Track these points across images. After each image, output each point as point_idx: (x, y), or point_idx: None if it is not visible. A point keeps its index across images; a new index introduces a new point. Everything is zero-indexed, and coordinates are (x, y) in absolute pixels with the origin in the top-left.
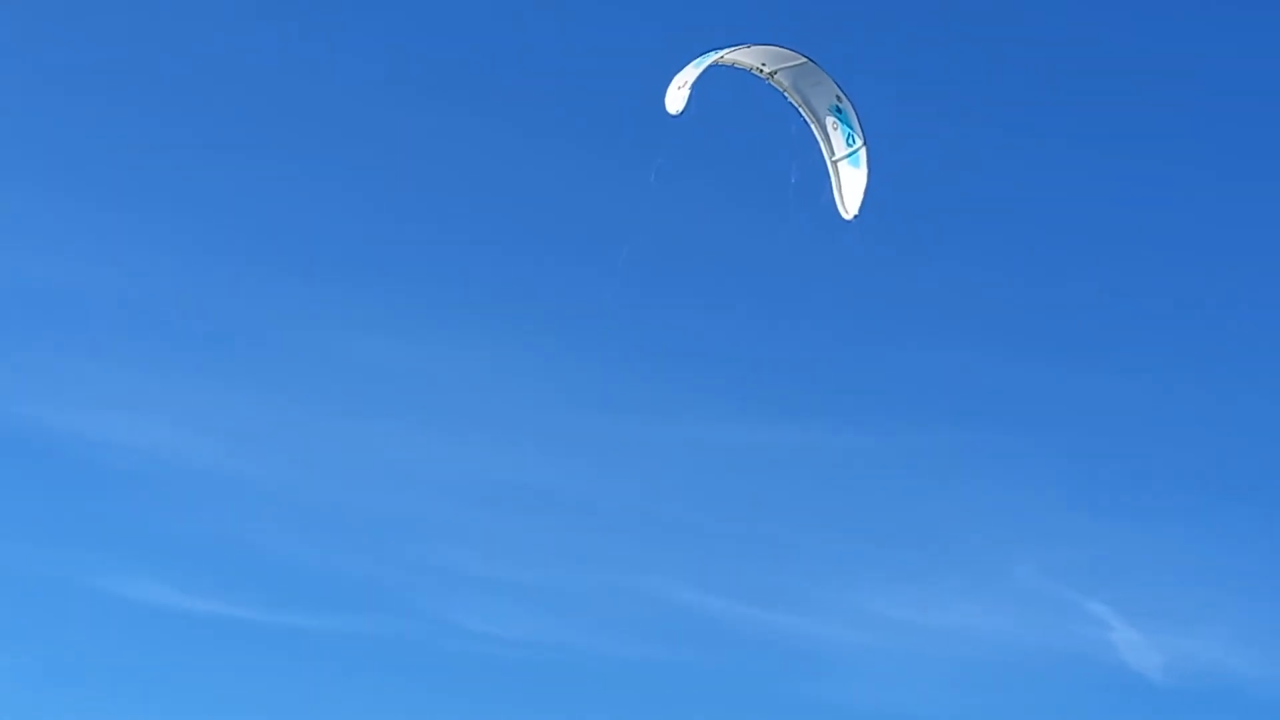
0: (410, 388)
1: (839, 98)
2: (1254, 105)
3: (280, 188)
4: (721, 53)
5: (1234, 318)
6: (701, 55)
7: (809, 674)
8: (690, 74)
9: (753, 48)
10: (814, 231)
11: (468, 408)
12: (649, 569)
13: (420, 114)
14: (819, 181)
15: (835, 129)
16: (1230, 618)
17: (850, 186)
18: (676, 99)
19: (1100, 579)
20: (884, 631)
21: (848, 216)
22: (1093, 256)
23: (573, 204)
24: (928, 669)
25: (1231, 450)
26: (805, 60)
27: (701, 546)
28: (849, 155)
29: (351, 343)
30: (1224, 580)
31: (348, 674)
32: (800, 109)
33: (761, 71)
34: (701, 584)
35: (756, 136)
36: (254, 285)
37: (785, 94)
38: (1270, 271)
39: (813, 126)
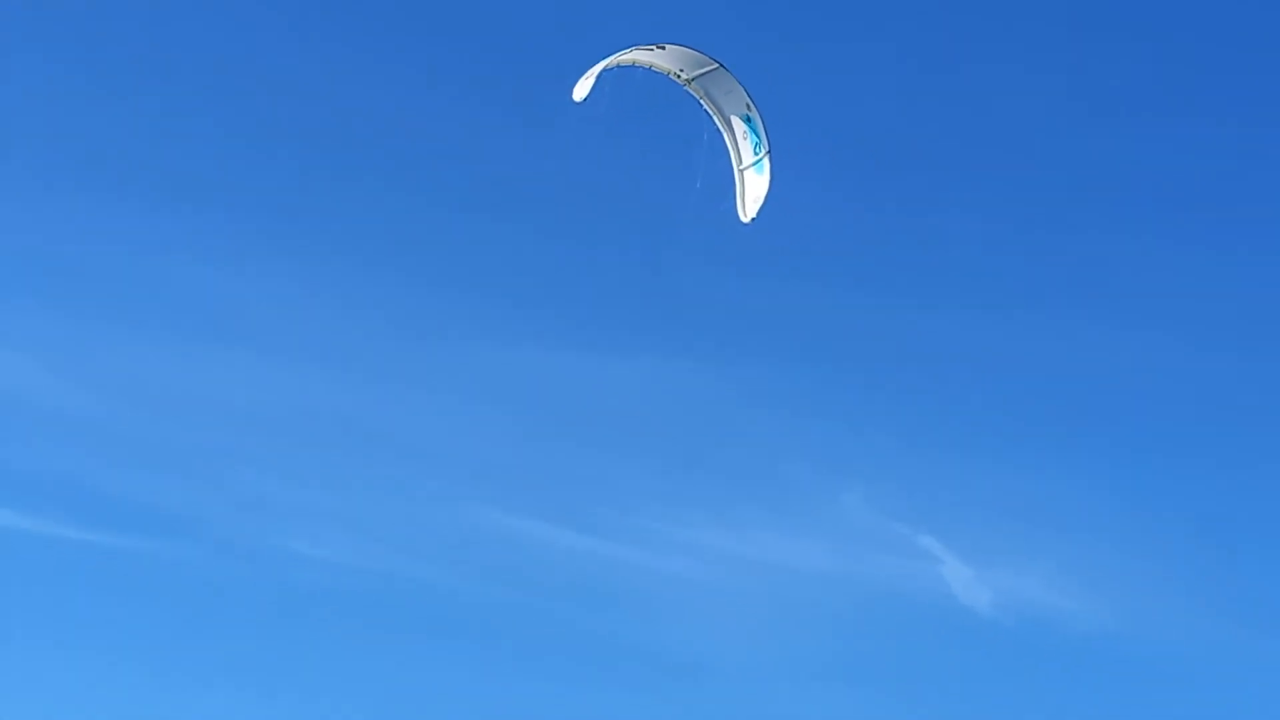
0: (228, 316)
1: (749, 105)
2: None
3: (103, 115)
4: (634, 52)
5: (1062, 252)
6: (617, 51)
7: (630, 604)
8: (600, 67)
9: (668, 48)
10: (633, 161)
11: (284, 336)
12: (467, 496)
13: (247, 37)
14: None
15: (745, 138)
16: (1056, 553)
17: (752, 192)
18: (582, 87)
19: (930, 514)
20: (709, 563)
21: (745, 220)
22: (921, 187)
23: (391, 130)
24: (753, 601)
25: (1059, 387)
26: (717, 66)
27: (523, 476)
28: (755, 163)
29: (172, 270)
30: (1051, 516)
31: (167, 598)
32: (714, 116)
33: (679, 77)
34: (524, 512)
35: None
36: (72, 212)
37: (700, 101)
38: (1098, 202)
39: (724, 135)
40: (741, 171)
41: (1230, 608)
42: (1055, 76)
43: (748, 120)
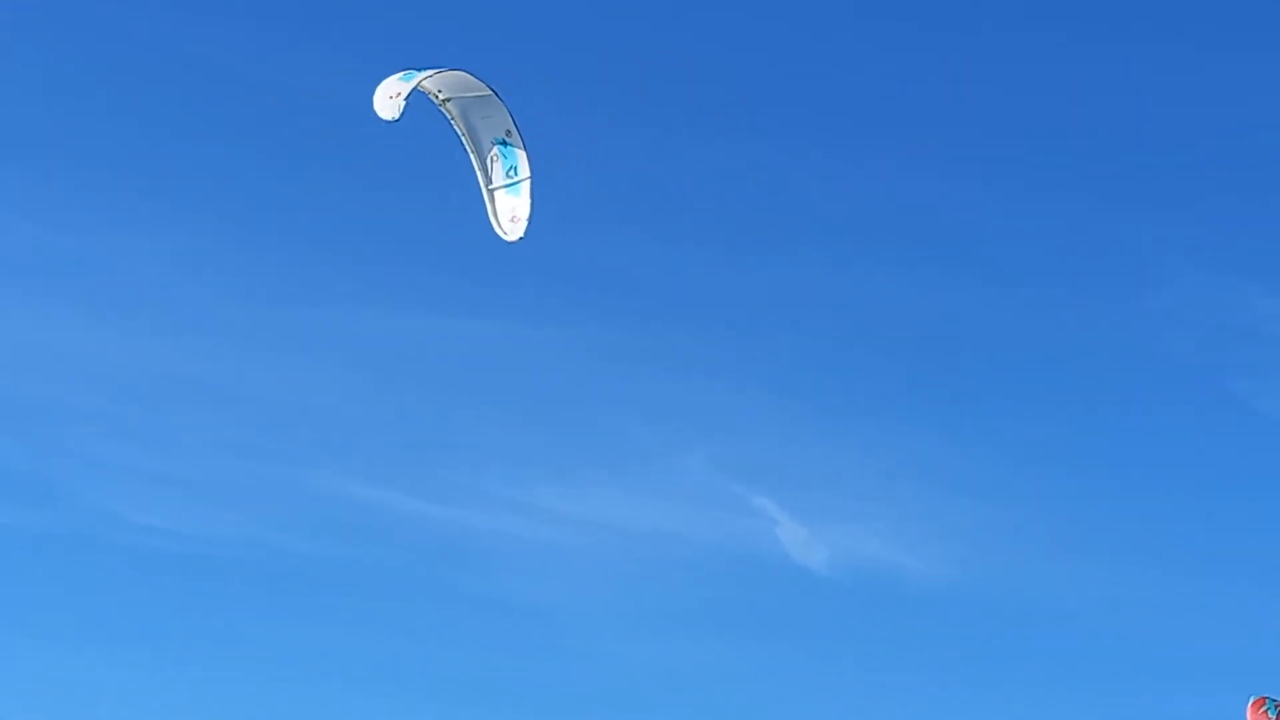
0: (69, 274)
1: (509, 133)
2: None
3: None
4: (428, 73)
5: (900, 201)
6: (409, 71)
7: (474, 567)
8: (402, 88)
9: (446, 73)
10: None
11: (128, 295)
12: (313, 462)
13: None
14: None
15: (496, 160)
16: (893, 512)
17: (508, 212)
18: (390, 107)
19: (766, 473)
20: (550, 525)
21: (509, 239)
22: (759, 139)
23: (237, 88)
24: (593, 562)
25: (899, 347)
26: (489, 93)
27: (364, 438)
28: (508, 185)
29: (12, 226)
30: (887, 473)
31: (6, 566)
32: (464, 138)
33: (437, 97)
34: (365, 476)
35: None
36: None
37: (452, 121)
38: (945, 156)
39: (471, 155)
40: (491, 191)
41: (1075, 553)
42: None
43: (503, 144)
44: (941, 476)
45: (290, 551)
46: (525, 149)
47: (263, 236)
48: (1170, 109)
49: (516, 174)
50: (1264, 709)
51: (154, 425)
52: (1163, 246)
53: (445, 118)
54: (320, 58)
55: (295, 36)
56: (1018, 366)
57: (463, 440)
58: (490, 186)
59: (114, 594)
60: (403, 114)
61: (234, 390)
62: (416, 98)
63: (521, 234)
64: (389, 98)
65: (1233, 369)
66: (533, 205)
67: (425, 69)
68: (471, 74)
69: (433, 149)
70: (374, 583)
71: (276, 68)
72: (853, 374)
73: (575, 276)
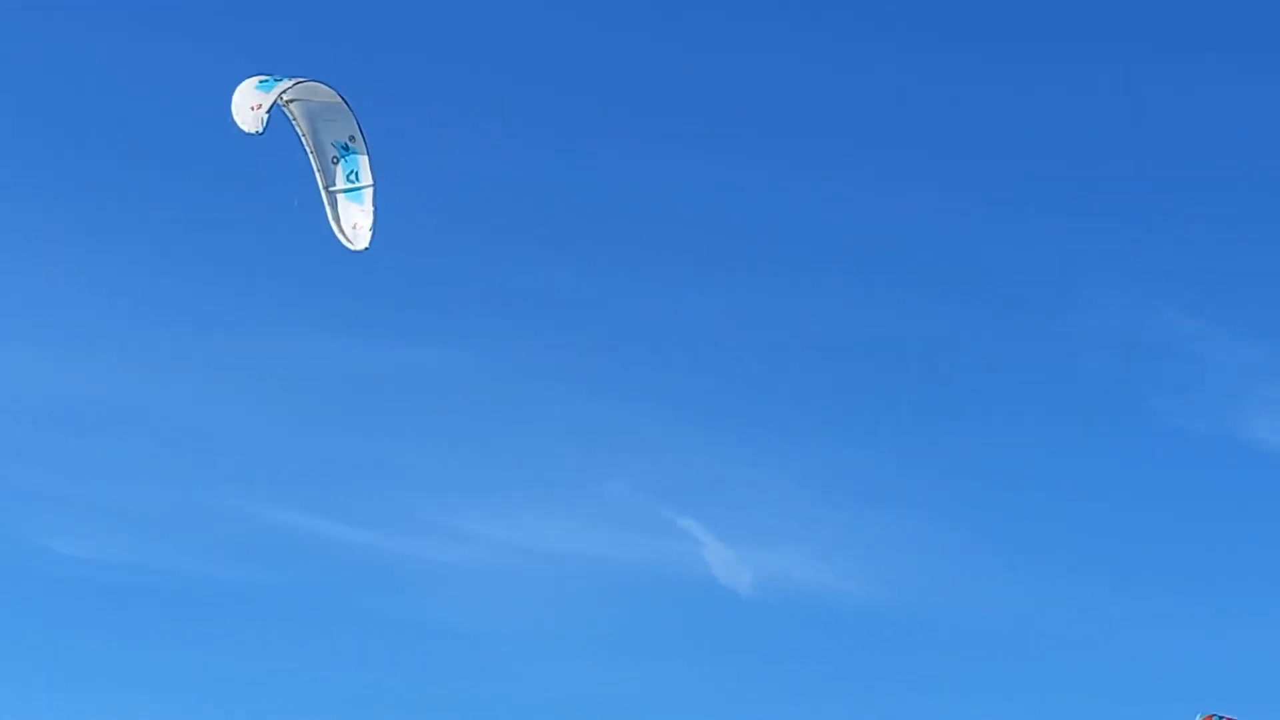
0: None
1: (352, 138)
2: None
3: None
4: (288, 83)
5: (823, 221)
6: (266, 78)
7: (401, 592)
8: (263, 99)
9: (304, 83)
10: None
11: (40, 322)
12: (238, 489)
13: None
14: None
15: (337, 163)
16: (818, 533)
17: (351, 220)
18: (252, 120)
19: (692, 496)
20: (477, 549)
21: (354, 248)
22: (684, 159)
23: (148, 110)
24: (520, 586)
25: (821, 366)
26: (338, 100)
27: (288, 464)
28: (349, 190)
29: None
30: (813, 496)
31: None
32: (304, 139)
33: (282, 99)
34: (291, 502)
35: None
36: None
37: (294, 122)
38: (869, 176)
39: (312, 158)
40: (331, 193)
41: (999, 569)
42: None
43: (345, 150)
44: (866, 495)
45: (217, 579)
46: (369, 157)
47: (191, 264)
48: (1091, 129)
49: (358, 180)
50: None
51: (76, 453)
52: (1083, 266)
53: (289, 120)
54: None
55: (211, 60)
56: (942, 385)
57: (388, 465)
58: (331, 188)
59: (41, 622)
60: (267, 126)
61: (165, 420)
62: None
63: (366, 244)
64: (250, 109)
65: (1151, 385)
66: (376, 214)
67: (282, 77)
68: (325, 83)
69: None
70: (300, 609)
71: (189, 90)
72: (777, 394)
73: (498, 300)
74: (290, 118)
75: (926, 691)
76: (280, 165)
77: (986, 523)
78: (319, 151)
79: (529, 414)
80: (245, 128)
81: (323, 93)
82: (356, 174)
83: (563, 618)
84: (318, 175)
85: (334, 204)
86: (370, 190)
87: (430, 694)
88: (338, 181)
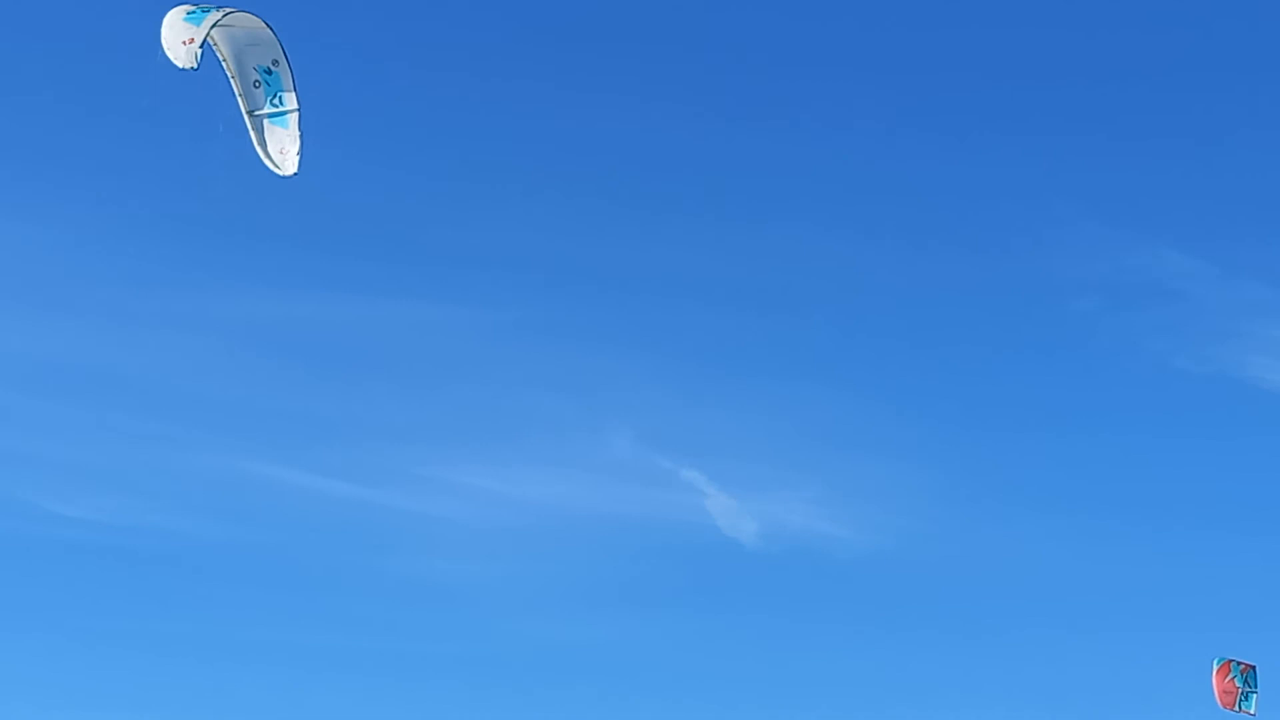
0: None
1: (275, 62)
2: None
3: None
4: (217, 15)
5: (811, 165)
6: (194, 9)
7: (401, 548)
8: (195, 33)
9: (234, 13)
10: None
11: (22, 286)
12: (231, 448)
13: None
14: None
15: (260, 87)
16: (820, 481)
17: (278, 145)
18: (186, 55)
19: (694, 447)
20: (476, 504)
21: (282, 173)
22: (666, 106)
23: (102, 65)
24: (520, 540)
25: (814, 310)
26: (263, 26)
27: (283, 421)
28: (274, 115)
29: None
30: (814, 444)
31: None
32: (225, 63)
33: (210, 36)
34: (283, 459)
35: None
36: None
37: (215, 49)
38: (853, 115)
39: (233, 82)
40: (255, 116)
41: (1000, 513)
42: None
43: (268, 74)
44: (867, 442)
45: (204, 537)
46: (294, 81)
47: (158, 219)
48: (1074, 62)
49: (282, 104)
50: (1230, 676)
51: (52, 414)
52: (1069, 205)
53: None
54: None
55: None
56: (938, 330)
57: (383, 421)
58: (255, 112)
59: (39, 582)
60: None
61: (143, 377)
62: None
63: (295, 169)
64: (183, 44)
65: (1141, 325)
66: (302, 138)
67: (210, 8)
68: (250, 11)
69: (327, 130)
70: (293, 566)
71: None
72: (775, 343)
73: (495, 255)
74: (213, 44)
75: (929, 636)
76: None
77: (984, 465)
78: (241, 76)
79: (528, 367)
80: (179, 63)
81: (248, 20)
82: (280, 98)
83: (564, 572)
84: (240, 100)
85: (259, 129)
86: (295, 115)
87: (428, 652)
88: (262, 106)
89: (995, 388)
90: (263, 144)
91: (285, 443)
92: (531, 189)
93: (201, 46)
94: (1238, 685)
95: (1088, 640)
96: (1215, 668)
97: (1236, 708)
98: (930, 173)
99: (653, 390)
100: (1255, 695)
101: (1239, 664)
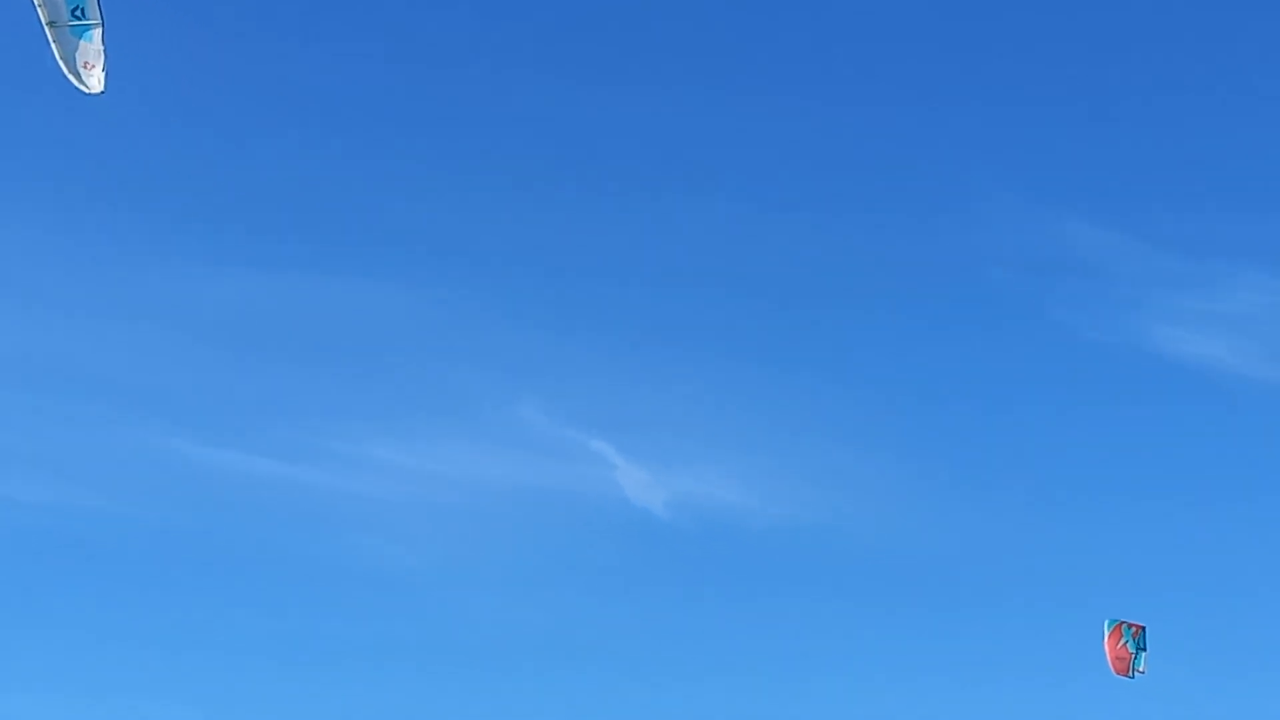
0: None
1: None
2: None
3: None
4: None
5: (723, 137)
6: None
7: (306, 523)
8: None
9: None
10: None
11: None
12: (146, 425)
13: None
14: None
15: None
16: (730, 454)
17: (82, 58)
18: (96, 80)
19: (603, 418)
20: (383, 478)
21: (89, 90)
22: (583, 80)
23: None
24: (430, 513)
25: (721, 280)
26: None
27: (194, 396)
28: (74, 26)
29: None
30: (725, 417)
31: None
32: None
33: None
34: (194, 435)
35: None
36: None
37: None
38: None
39: None
40: (56, 28)
41: (908, 485)
42: None
43: None
44: (777, 415)
45: (134, 518)
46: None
47: (91, 198)
48: (989, 35)
49: (84, 16)
50: (1122, 642)
51: None
52: (982, 177)
53: None
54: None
55: None
56: (849, 303)
57: (292, 396)
58: (54, 23)
59: None
60: None
61: (65, 358)
62: None
63: (101, 86)
64: (85, 67)
65: (1053, 296)
66: (107, 52)
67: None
68: None
69: (270, 100)
70: (205, 544)
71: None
72: (685, 314)
73: (402, 229)
74: None
75: (840, 610)
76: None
77: (895, 439)
78: None
79: (434, 341)
80: (94, 89)
81: None
82: (83, 10)
83: (474, 544)
84: (39, 10)
85: (62, 41)
86: (100, 30)
87: (338, 629)
88: (57, 15)
89: (908, 357)
90: (67, 59)
91: (205, 421)
92: (441, 167)
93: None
94: (1130, 650)
95: (999, 610)
96: (1107, 632)
97: (1130, 674)
98: (848, 145)
99: (561, 363)
100: (1145, 654)
101: (1130, 626)
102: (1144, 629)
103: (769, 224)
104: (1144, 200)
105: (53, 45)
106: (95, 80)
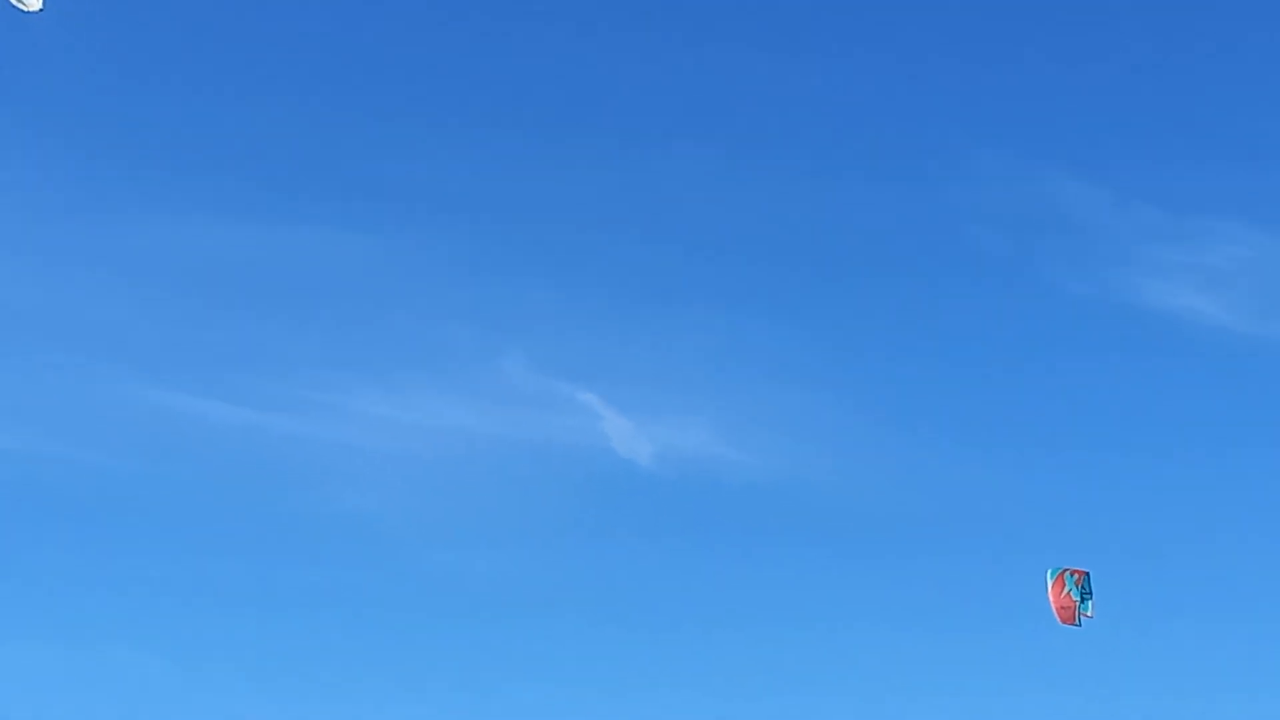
0: None
1: None
2: None
3: None
4: None
5: (704, 91)
6: None
7: (292, 477)
8: None
9: None
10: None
11: None
12: (122, 375)
13: None
14: None
15: None
16: (717, 405)
17: None
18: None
19: (590, 369)
20: (370, 430)
21: (25, 8)
22: (564, 33)
23: None
24: (416, 466)
25: (708, 234)
26: None
27: (183, 350)
28: None
29: None
30: (711, 368)
31: None
32: None
33: None
34: (185, 388)
35: None
36: None
37: None
38: (750, 43)
39: None
40: None
41: (895, 439)
42: None
43: None
44: (764, 367)
45: (107, 467)
46: None
47: (65, 146)
48: None
49: None
50: (1066, 590)
51: None
52: (968, 134)
53: None
54: None
55: None
56: (835, 257)
57: (279, 347)
58: None
59: None
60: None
61: (40, 306)
62: None
63: (39, 4)
64: None
65: (1039, 252)
66: None
67: None
68: None
69: (243, 48)
70: (188, 495)
71: None
72: (674, 266)
73: (387, 181)
74: None
75: (823, 559)
76: (171, 47)
77: (883, 391)
78: None
79: (421, 293)
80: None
81: None
82: None
83: (458, 496)
84: None
85: None
86: None
87: (322, 580)
88: None
89: (894, 314)
90: None
91: (184, 370)
92: (426, 118)
93: None
94: (1074, 599)
95: (985, 560)
96: (1050, 581)
97: (1076, 621)
98: (831, 100)
99: (547, 315)
100: (1091, 600)
101: (1072, 574)
102: (1087, 574)
103: (754, 178)
104: (1127, 156)
105: None
106: None
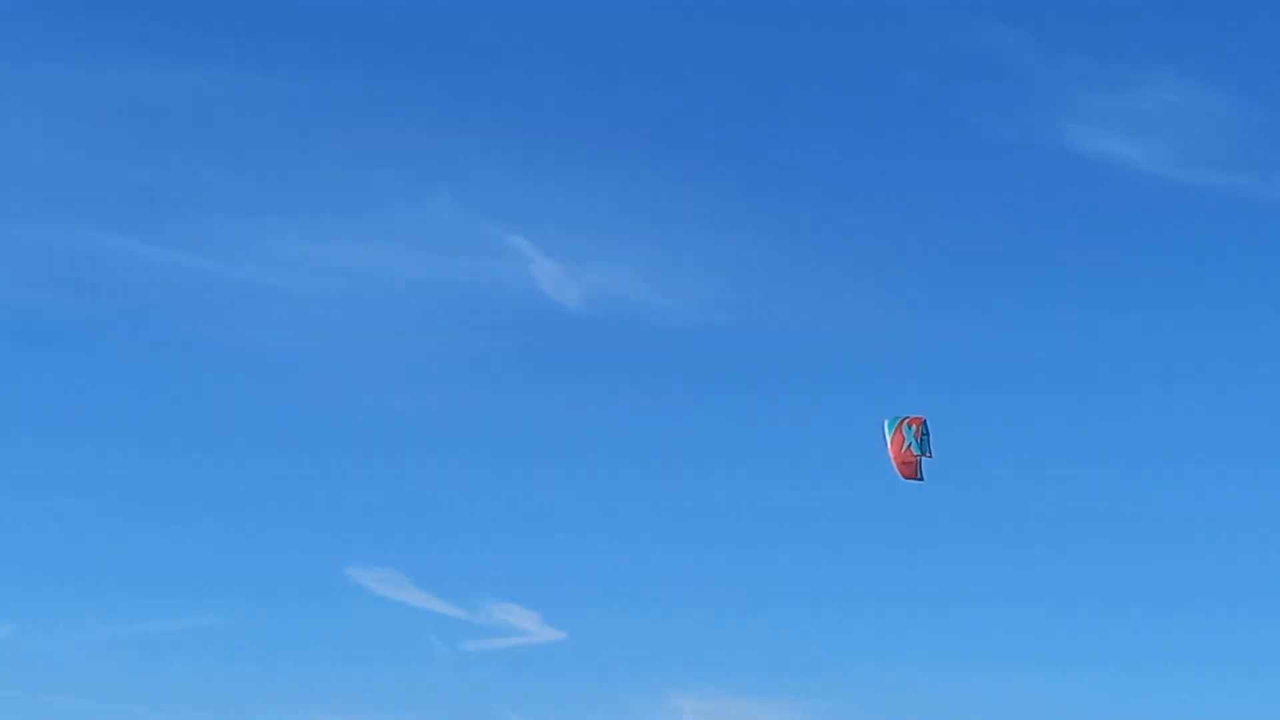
0: None
1: None
2: None
3: None
4: None
5: None
6: None
7: (215, 318)
8: None
9: None
10: None
11: None
12: (54, 219)
13: None
14: None
15: None
16: (644, 250)
17: None
18: None
19: (518, 213)
20: (295, 273)
21: None
22: None
23: None
24: (342, 310)
25: (640, 76)
26: None
27: (106, 190)
28: None
29: None
30: (639, 214)
31: None
32: None
33: None
34: (106, 226)
35: None
36: None
37: None
38: None
39: None
40: None
41: (819, 283)
42: None
43: None
44: (693, 213)
45: (22, 306)
46: None
47: None
48: None
49: None
50: (906, 445)
51: None
52: None
53: None
54: None
55: None
56: (763, 102)
57: (203, 190)
58: None
59: None
60: None
61: None
62: None
63: None
64: None
65: (968, 98)
66: None
67: None
68: None
69: None
70: (115, 337)
71: None
72: (604, 110)
73: (310, 24)
74: None
75: (746, 405)
76: None
77: (812, 238)
78: None
79: (347, 136)
80: None
81: None
82: None
83: (387, 339)
84: None
85: None
86: None
87: (246, 420)
88: None
89: (823, 160)
90: None
91: (106, 211)
92: None
93: None
94: (915, 453)
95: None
96: (889, 435)
97: (918, 475)
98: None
99: (475, 159)
100: (929, 439)
101: (910, 423)
102: (924, 421)
103: (686, 24)
104: (1056, 1)
105: None
106: None
